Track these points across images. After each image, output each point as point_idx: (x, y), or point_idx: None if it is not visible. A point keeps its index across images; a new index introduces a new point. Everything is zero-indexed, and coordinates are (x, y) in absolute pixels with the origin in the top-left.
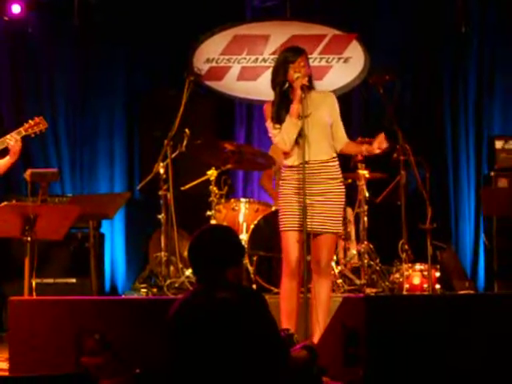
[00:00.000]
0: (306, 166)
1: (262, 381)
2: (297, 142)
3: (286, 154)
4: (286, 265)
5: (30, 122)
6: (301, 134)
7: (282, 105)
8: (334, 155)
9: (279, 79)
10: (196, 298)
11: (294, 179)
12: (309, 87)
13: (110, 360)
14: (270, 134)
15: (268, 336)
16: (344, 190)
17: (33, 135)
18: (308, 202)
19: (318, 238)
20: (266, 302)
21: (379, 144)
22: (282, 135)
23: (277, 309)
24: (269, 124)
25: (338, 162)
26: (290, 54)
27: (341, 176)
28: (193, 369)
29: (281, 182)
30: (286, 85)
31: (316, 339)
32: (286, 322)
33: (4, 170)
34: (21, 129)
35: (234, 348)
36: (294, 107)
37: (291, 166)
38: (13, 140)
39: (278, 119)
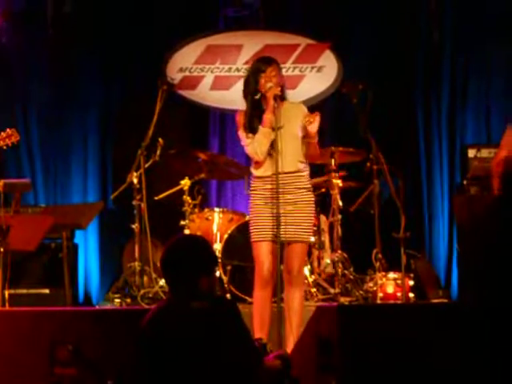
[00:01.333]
0: (279, 176)
1: None
2: (269, 154)
3: (257, 164)
4: (258, 275)
5: (2, 133)
6: (273, 145)
7: (254, 114)
8: (304, 166)
9: (251, 89)
10: (169, 308)
11: (264, 189)
12: (281, 97)
13: (83, 371)
14: (242, 143)
15: (241, 345)
16: (314, 200)
17: (5, 147)
18: (280, 212)
19: (290, 247)
20: (239, 311)
21: (308, 117)
22: (254, 146)
23: (250, 318)
24: (241, 133)
25: (308, 173)
26: (261, 63)
27: (311, 186)
28: (166, 380)
29: (251, 192)
30: (258, 95)
31: (289, 349)
32: (259, 331)
33: None
34: None
35: (207, 357)
36: (267, 117)
37: (261, 177)
38: None
39: (251, 128)
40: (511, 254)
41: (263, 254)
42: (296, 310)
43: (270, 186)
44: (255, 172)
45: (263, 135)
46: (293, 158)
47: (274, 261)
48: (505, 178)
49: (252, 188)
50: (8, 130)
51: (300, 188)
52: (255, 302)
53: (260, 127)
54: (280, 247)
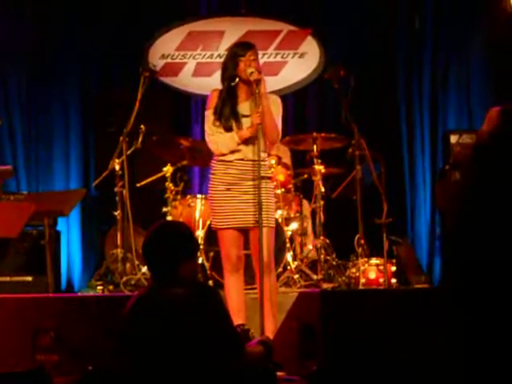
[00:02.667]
0: (242, 162)
1: (218, 376)
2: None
3: None
4: (227, 262)
5: None
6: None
7: (228, 101)
8: (266, 155)
9: (229, 73)
10: (150, 295)
11: (225, 174)
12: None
13: (64, 357)
14: (206, 128)
15: (223, 331)
16: (273, 190)
17: None
18: (242, 198)
19: (256, 233)
20: (220, 297)
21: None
22: (217, 145)
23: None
24: (208, 115)
25: (271, 162)
26: (240, 48)
27: (271, 175)
28: (147, 366)
29: (211, 176)
30: (236, 80)
31: (269, 334)
32: (236, 317)
33: None
34: None
35: (189, 344)
36: (246, 134)
37: (224, 161)
38: None
39: (220, 114)
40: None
41: (229, 241)
42: (271, 297)
43: (233, 171)
44: (218, 156)
45: (231, 141)
46: (257, 145)
47: (240, 246)
48: (476, 150)
49: (213, 172)
50: None
51: (262, 176)
52: (228, 289)
53: (234, 133)
54: (243, 234)
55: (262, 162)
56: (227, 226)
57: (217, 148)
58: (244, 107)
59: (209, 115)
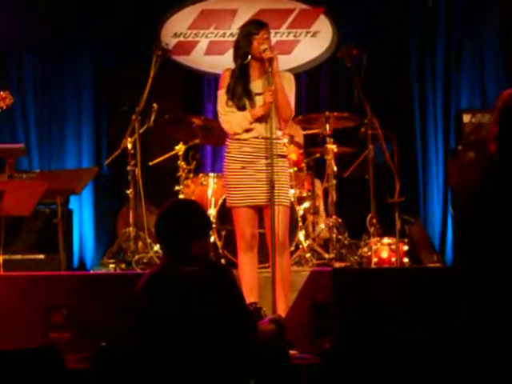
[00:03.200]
0: (256, 140)
1: (230, 354)
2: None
3: None
4: (241, 240)
5: None
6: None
7: (240, 80)
8: (282, 134)
9: (242, 51)
10: (162, 272)
11: (240, 152)
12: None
13: (77, 335)
14: (218, 109)
15: (235, 309)
16: (288, 168)
17: None
18: (256, 176)
19: (270, 211)
20: (233, 275)
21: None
22: (231, 123)
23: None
24: (221, 95)
25: (284, 141)
26: (253, 26)
27: (286, 154)
28: (159, 344)
29: (226, 154)
30: (249, 58)
31: (281, 313)
32: (249, 295)
33: None
34: None
35: (201, 321)
36: (258, 112)
37: (239, 139)
38: None
39: (232, 94)
40: (506, 217)
41: (244, 219)
42: (284, 275)
43: (247, 149)
44: (232, 135)
45: (244, 120)
46: (271, 124)
47: (255, 225)
48: (503, 112)
49: (228, 150)
50: (1, 92)
51: (276, 155)
52: (241, 267)
53: (246, 112)
54: (259, 212)
55: (277, 140)
56: (242, 204)
57: (230, 127)
58: (257, 85)
59: (221, 95)
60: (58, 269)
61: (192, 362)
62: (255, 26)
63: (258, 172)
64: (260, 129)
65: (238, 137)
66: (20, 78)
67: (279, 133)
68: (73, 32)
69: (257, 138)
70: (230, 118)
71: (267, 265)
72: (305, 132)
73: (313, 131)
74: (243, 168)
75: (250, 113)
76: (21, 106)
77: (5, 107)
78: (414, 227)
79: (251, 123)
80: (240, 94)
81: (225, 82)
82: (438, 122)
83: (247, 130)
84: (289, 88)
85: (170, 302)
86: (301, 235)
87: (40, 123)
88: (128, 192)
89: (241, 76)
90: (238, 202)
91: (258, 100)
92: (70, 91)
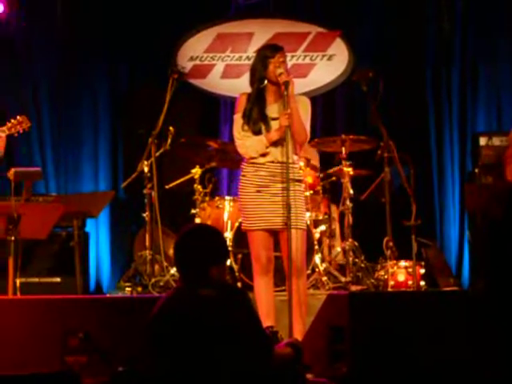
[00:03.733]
0: (272, 164)
1: (247, 378)
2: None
3: None
4: (257, 263)
5: (13, 121)
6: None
7: (256, 104)
8: (298, 158)
9: (258, 75)
10: (179, 296)
11: (255, 176)
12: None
13: (93, 359)
14: (234, 132)
15: (252, 333)
16: (304, 192)
17: (16, 134)
18: (272, 200)
19: (286, 235)
20: (249, 299)
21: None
22: (246, 148)
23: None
24: (237, 119)
25: (300, 164)
26: (269, 50)
27: (302, 178)
28: (176, 367)
29: (242, 178)
30: (265, 82)
31: (297, 336)
32: (265, 319)
33: None
34: (4, 128)
35: (218, 346)
36: (274, 136)
37: (254, 163)
38: None
39: (249, 118)
40: None
41: (259, 242)
42: (301, 299)
43: (263, 173)
44: (248, 159)
45: (260, 144)
46: (287, 148)
47: (271, 248)
48: None
49: (243, 173)
50: (18, 117)
51: (292, 179)
52: (258, 290)
53: (262, 136)
54: (274, 235)
55: (293, 165)
56: (257, 228)
57: (246, 152)
58: (272, 109)
59: (237, 119)
60: (74, 292)
61: None
62: (271, 50)
63: (273, 196)
64: (275, 153)
65: (253, 161)
66: (35, 100)
67: (295, 157)
68: (89, 56)
69: (273, 162)
70: (246, 142)
71: (283, 288)
72: (323, 149)
73: (330, 149)
74: (258, 192)
75: (265, 137)
76: (37, 129)
77: (21, 131)
78: (430, 250)
79: (267, 147)
80: (256, 119)
81: (241, 106)
82: (455, 144)
83: (263, 155)
84: (304, 112)
85: (186, 326)
86: (317, 258)
87: (56, 146)
88: (144, 215)
89: (257, 100)
90: (254, 226)
91: (274, 124)
92: (87, 115)
